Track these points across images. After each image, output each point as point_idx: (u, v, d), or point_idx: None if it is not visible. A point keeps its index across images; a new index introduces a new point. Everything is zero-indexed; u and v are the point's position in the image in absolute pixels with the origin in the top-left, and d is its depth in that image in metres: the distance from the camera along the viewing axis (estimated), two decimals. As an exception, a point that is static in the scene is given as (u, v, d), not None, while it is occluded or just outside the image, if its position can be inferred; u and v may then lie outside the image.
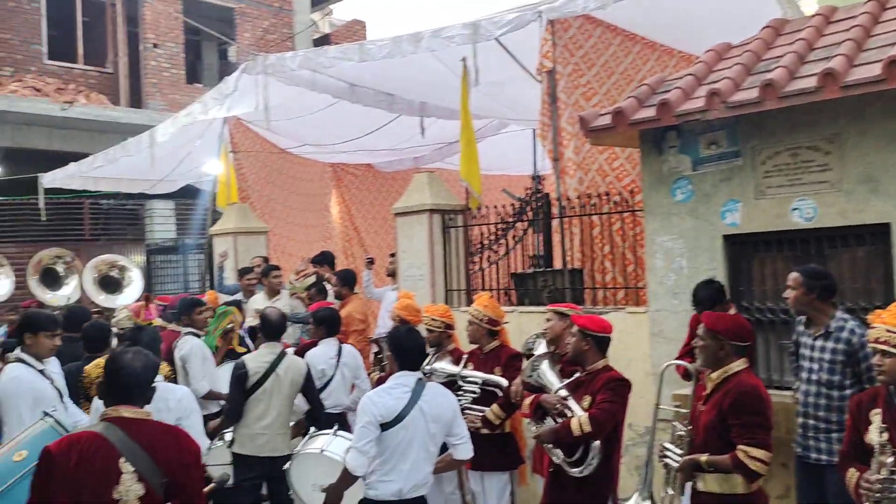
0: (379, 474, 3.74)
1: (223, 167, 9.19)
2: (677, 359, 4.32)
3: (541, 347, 4.55)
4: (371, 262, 8.59)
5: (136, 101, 15.13)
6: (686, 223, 4.85)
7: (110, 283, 9.79)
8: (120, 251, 13.30)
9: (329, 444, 4.47)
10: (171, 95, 15.21)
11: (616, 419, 4.03)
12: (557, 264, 6.14)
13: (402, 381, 3.83)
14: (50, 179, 10.57)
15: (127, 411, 2.88)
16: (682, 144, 4.87)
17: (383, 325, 7.41)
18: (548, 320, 4.62)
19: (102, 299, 10.42)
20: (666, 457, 3.78)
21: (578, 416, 3.96)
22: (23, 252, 12.89)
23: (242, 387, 4.89)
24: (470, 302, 5.77)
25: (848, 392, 3.77)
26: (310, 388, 5.12)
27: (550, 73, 5.83)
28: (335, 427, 4.71)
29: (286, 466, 4.56)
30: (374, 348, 6.72)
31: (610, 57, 6.32)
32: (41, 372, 4.37)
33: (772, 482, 4.16)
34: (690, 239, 4.84)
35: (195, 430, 4.06)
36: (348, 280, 7.36)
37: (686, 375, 4.22)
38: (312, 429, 4.76)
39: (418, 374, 3.91)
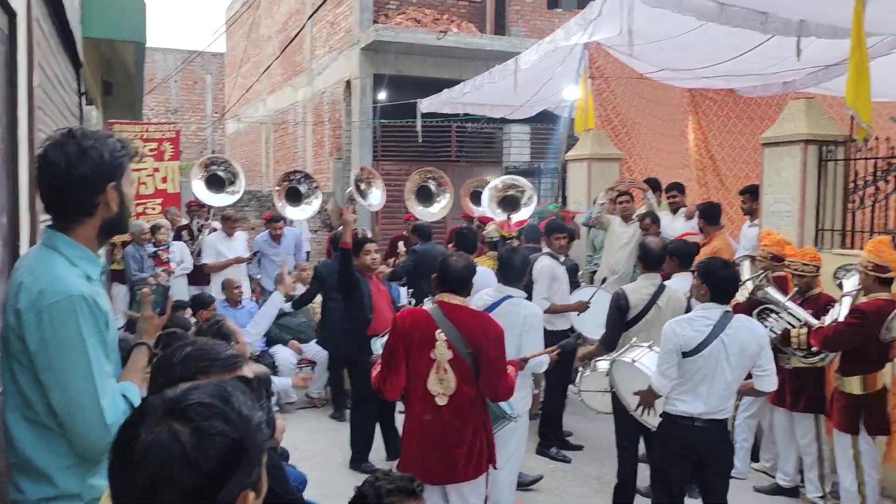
0: (677, 394, 4.05)
1: (581, 93, 9.30)
2: None
3: None
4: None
5: (501, 28, 15.84)
6: None
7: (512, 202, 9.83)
8: (480, 172, 14.32)
9: (642, 356, 4.48)
10: (533, 22, 15.65)
11: None
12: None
13: (706, 314, 3.99)
14: (426, 105, 11.57)
15: (449, 298, 3.83)
16: None
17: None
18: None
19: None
20: None
21: None
22: (400, 169, 14.54)
23: (622, 317, 4.94)
24: (844, 244, 5.26)
25: None
26: None
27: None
28: (651, 341, 4.68)
29: (608, 368, 4.66)
30: None
31: None
32: None
33: None
34: None
35: (534, 342, 4.55)
36: (711, 214, 7.00)
37: None
38: (635, 339, 4.74)
39: (725, 308, 4.02)
